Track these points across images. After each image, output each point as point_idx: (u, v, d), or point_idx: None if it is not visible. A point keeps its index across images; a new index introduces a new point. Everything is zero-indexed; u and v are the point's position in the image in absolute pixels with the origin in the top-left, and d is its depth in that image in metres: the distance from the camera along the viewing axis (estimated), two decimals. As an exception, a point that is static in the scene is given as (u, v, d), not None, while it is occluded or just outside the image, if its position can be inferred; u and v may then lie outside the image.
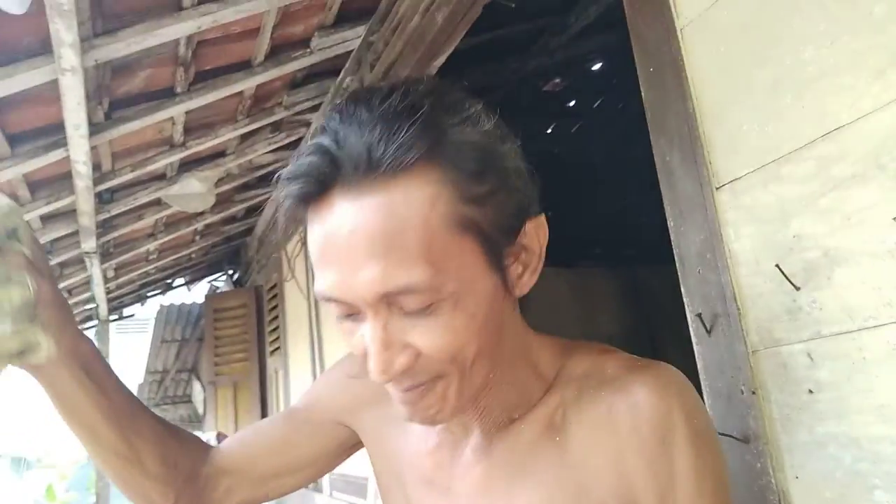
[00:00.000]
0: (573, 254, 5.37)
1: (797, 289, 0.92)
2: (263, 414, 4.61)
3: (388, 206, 0.56)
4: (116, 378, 0.77)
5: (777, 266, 0.93)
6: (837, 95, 0.86)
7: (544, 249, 0.66)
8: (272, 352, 4.49)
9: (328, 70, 2.77)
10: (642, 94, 1.18)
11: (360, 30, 2.48)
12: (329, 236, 0.58)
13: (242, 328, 4.88)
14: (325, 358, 3.29)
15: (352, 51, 2.59)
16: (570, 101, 4.63)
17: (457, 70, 3.08)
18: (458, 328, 0.58)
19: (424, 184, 0.57)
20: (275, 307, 4.39)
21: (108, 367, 0.76)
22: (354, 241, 0.56)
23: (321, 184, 0.58)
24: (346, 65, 2.67)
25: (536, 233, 0.65)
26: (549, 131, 4.88)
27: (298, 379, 3.86)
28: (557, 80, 4.26)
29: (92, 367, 0.73)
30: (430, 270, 0.56)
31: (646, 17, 1.18)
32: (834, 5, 0.87)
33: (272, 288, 4.45)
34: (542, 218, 0.66)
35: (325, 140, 0.58)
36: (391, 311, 0.58)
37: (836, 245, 0.87)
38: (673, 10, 1.12)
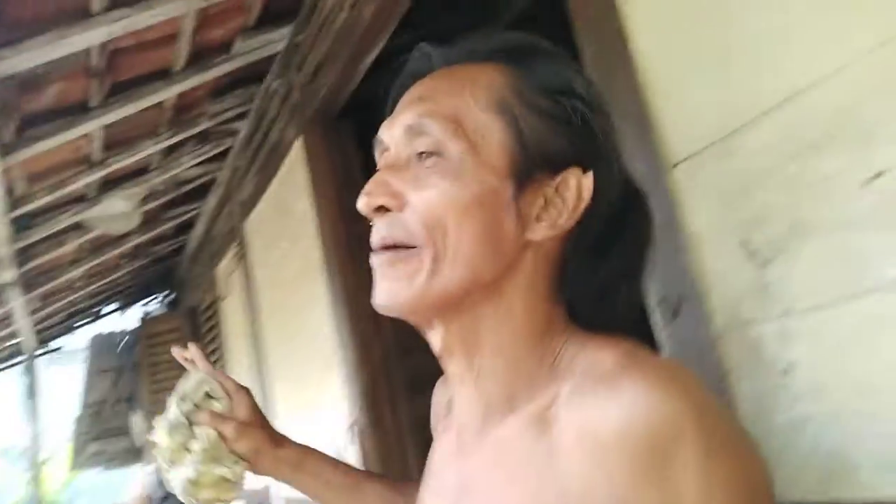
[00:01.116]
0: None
1: (764, 265, 0.88)
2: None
3: (450, 73, 0.67)
4: (332, 461, 0.96)
5: (741, 242, 0.89)
6: (795, 59, 0.83)
7: (580, 208, 0.63)
8: (213, 374, 4.33)
9: (253, 75, 2.66)
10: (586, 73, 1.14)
11: (285, 31, 2.39)
12: (404, 97, 0.68)
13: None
14: (266, 379, 3.15)
15: (277, 53, 2.49)
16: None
17: (387, 67, 3.00)
18: (446, 193, 0.61)
19: (489, 70, 0.66)
20: (212, 328, 4.21)
21: (320, 456, 0.96)
22: (416, 91, 0.67)
23: (414, 75, 0.70)
24: (273, 68, 2.57)
25: (578, 185, 0.63)
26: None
27: (242, 400, 3.71)
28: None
29: (303, 464, 0.94)
30: (451, 116, 0.63)
31: (584, -8, 1.13)
32: (784, -34, 0.83)
33: (208, 308, 4.28)
34: (590, 177, 0.63)
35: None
36: (402, 162, 0.65)
37: (803, 216, 0.83)
38: (614, -16, 1.08)
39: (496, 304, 0.64)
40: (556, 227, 0.63)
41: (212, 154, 3.21)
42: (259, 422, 0.94)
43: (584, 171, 0.63)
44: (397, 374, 2.24)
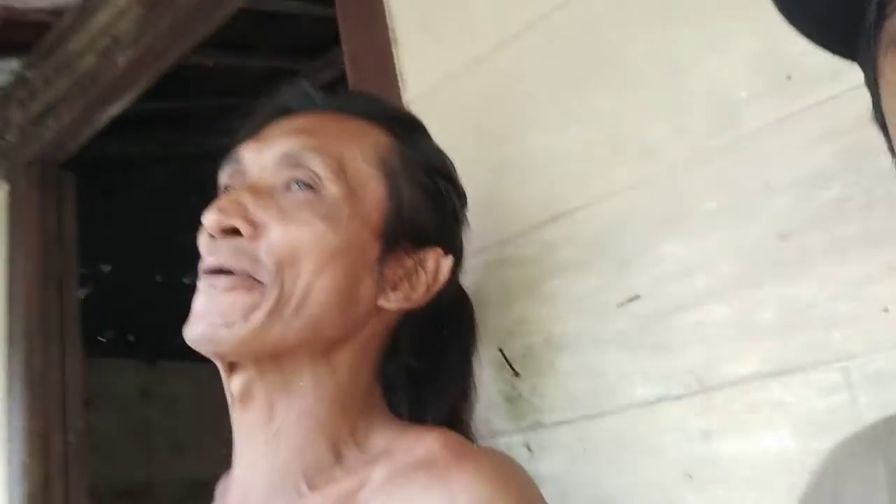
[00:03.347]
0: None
1: (517, 375, 0.87)
2: None
3: (339, 119, 0.65)
4: None
5: (500, 350, 0.88)
6: (567, 181, 0.87)
7: (434, 288, 0.64)
8: None
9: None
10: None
11: (13, 63, 2.08)
12: (277, 125, 0.65)
13: None
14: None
15: (-2, 85, 2.16)
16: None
17: (133, 132, 2.75)
18: (315, 233, 0.57)
19: (377, 130, 0.65)
20: None
21: None
22: (298, 122, 0.65)
23: (288, 109, 0.68)
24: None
25: (437, 264, 0.64)
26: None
27: None
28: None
29: None
30: (336, 157, 0.60)
31: (371, 86, 1.12)
32: (566, 97, 0.88)
33: None
34: (450, 260, 0.65)
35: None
36: (265, 189, 0.60)
37: (560, 331, 0.84)
38: (400, 82, 1.08)
39: (322, 363, 0.59)
40: (409, 300, 0.63)
41: None
42: None
43: (446, 254, 0.65)
44: (77, 479, 1.89)
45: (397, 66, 1.09)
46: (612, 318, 0.80)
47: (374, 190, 0.62)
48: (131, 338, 4.95)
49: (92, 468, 1.96)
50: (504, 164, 0.93)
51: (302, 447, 0.58)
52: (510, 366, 0.88)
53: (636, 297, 0.78)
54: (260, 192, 0.60)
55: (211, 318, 0.56)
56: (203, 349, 0.57)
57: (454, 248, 0.67)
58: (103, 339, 4.67)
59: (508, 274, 0.90)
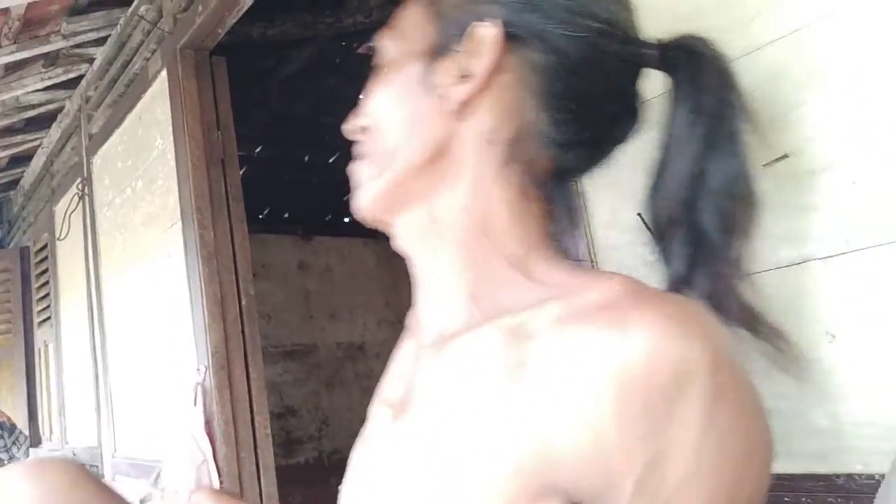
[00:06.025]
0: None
1: (657, 240, 0.87)
2: (30, 392, 4.04)
3: None
4: None
5: (639, 215, 0.88)
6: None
7: (485, 61, 0.56)
8: (41, 322, 3.94)
9: (118, -4, 2.42)
10: None
11: (162, -48, 2.18)
12: None
13: (4, 295, 4.23)
14: (105, 328, 2.91)
15: (149, -24, 2.27)
16: (383, 66, 4.51)
17: (266, 16, 2.84)
18: (377, 93, 0.62)
19: None
20: (44, 271, 3.83)
21: None
22: None
23: None
24: (142, -9, 2.35)
25: (491, 38, 0.56)
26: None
27: (73, 352, 3.41)
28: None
29: None
30: (398, 21, 0.63)
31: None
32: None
33: (41, 249, 3.89)
34: (488, 25, 0.56)
35: None
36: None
37: (700, 193, 0.83)
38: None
39: (442, 194, 0.60)
40: (470, 82, 0.56)
41: (61, 80, 2.90)
42: None
43: (510, 31, 0.56)
44: (252, 338, 2.11)
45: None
46: (757, 178, 0.77)
47: (416, 19, 0.62)
48: (286, 215, 5.30)
49: (261, 332, 2.18)
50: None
51: (459, 275, 0.59)
52: (648, 228, 0.88)
53: (784, 157, 0.75)
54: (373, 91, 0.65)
55: (355, 197, 0.64)
56: (366, 224, 0.65)
57: (551, 14, 0.56)
58: (261, 217, 5.04)
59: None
